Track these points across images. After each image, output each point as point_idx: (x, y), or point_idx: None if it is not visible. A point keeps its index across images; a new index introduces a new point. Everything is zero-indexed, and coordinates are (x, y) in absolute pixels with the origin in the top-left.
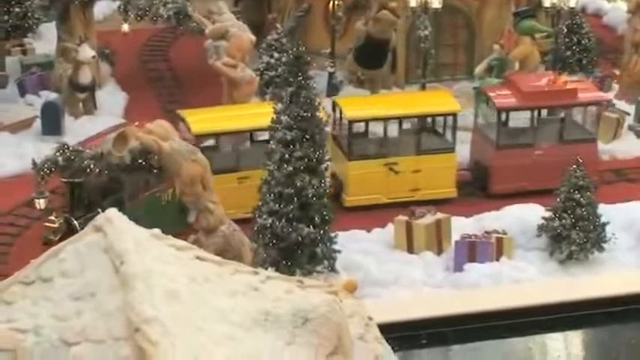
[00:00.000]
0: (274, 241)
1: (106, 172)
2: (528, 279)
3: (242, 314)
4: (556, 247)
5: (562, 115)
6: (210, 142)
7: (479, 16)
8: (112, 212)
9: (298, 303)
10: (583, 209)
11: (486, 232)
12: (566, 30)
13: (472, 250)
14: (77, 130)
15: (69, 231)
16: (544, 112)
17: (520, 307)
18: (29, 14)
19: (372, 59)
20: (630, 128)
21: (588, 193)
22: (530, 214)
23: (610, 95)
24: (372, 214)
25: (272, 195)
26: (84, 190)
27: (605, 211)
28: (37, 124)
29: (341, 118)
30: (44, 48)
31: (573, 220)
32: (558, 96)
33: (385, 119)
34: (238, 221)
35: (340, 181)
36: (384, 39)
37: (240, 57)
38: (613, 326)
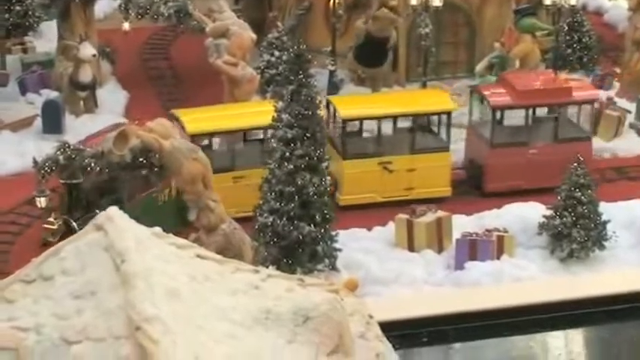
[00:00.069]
0: (275, 240)
1: (107, 170)
2: (529, 277)
3: (243, 313)
4: (557, 245)
5: (557, 113)
6: (205, 141)
7: (479, 13)
8: (113, 211)
9: (299, 301)
10: (584, 207)
11: (487, 231)
12: (566, 28)
13: (473, 249)
14: (78, 128)
15: (68, 232)
16: (543, 110)
17: (521, 305)
18: (30, 13)
19: (372, 57)
20: (631, 126)
21: (589, 191)
22: (531, 212)
23: (611, 93)
24: (373, 213)
25: (273, 193)
26: (82, 191)
27: (606, 209)
28: (38, 122)
29: (335, 117)
30: (45, 46)
31: (574, 219)
32: (553, 94)
33: (379, 118)
34: (239, 220)
35: (335, 180)
36: (383, 37)
37: (241, 55)
38: (614, 324)
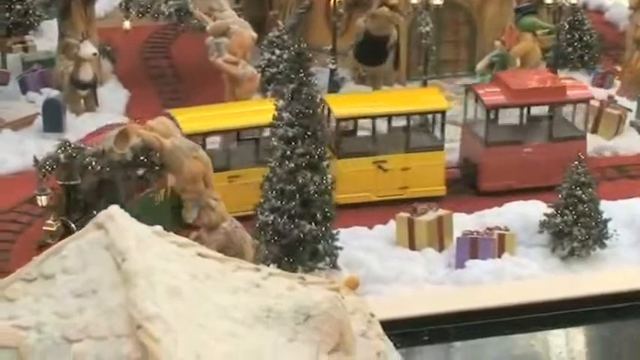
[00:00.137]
0: (276, 238)
1: (108, 169)
2: (530, 275)
3: (244, 311)
4: (558, 243)
5: (551, 112)
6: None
7: (480, 12)
8: (114, 209)
9: (300, 300)
10: (585, 206)
11: (488, 229)
12: (567, 26)
13: (474, 247)
14: (79, 127)
15: (66, 233)
16: (539, 109)
17: (522, 303)
18: (30, 11)
19: (372, 56)
20: (632, 125)
21: (590, 189)
22: (532, 210)
23: (611, 91)
24: (374, 211)
25: (274, 192)
26: (80, 193)
27: (607, 207)
28: (39, 121)
29: (329, 116)
30: (45, 45)
31: (575, 217)
32: (547, 93)
33: (373, 117)
34: (240, 218)
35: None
36: (382, 36)
37: (242, 54)
38: (615, 323)
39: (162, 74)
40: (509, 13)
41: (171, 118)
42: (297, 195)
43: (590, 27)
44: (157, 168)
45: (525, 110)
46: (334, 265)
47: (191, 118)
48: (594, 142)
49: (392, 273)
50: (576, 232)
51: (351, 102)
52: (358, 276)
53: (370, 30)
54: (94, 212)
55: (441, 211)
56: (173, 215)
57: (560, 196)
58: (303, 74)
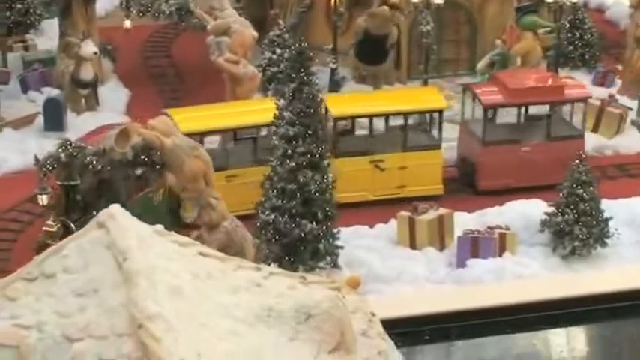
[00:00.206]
0: (277, 237)
1: (108, 168)
2: (531, 274)
3: (245, 310)
4: (559, 242)
5: (549, 111)
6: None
7: (481, 11)
8: (115, 208)
9: (301, 299)
10: (586, 204)
11: (489, 228)
12: (568, 25)
13: (475, 246)
14: (79, 126)
15: (66, 234)
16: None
17: (523, 302)
18: (31, 10)
19: (372, 55)
20: (633, 123)
21: (591, 188)
22: (533, 209)
23: (612, 90)
24: (375, 210)
25: (274, 191)
26: (79, 193)
27: (608, 206)
28: (40, 120)
29: (326, 115)
30: (46, 44)
31: (576, 216)
32: (545, 93)
33: (371, 116)
34: (240, 217)
35: None
36: (381, 35)
37: (243, 53)
38: (616, 322)
39: (162, 73)
40: (510, 12)
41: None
42: (298, 194)
43: (591, 26)
44: (157, 167)
45: (523, 109)
46: (335, 265)
47: (188, 117)
48: (595, 141)
49: (393, 272)
50: (577, 231)
51: (349, 101)
52: (359, 275)
53: (369, 29)
54: (94, 212)
55: (442, 210)
56: (171, 215)
57: (561, 195)
58: (303, 73)
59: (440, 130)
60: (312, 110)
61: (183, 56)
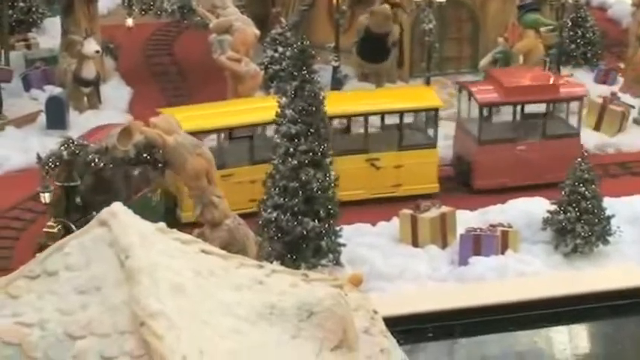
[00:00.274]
0: (279, 235)
1: (111, 166)
2: (533, 272)
3: (247, 308)
4: (561, 240)
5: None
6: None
7: (483, 9)
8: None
9: (303, 296)
10: (588, 202)
11: (491, 226)
12: (570, 23)
13: (477, 244)
14: (82, 124)
15: (66, 235)
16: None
17: (525, 300)
18: (33, 9)
19: (373, 53)
20: (635, 121)
21: (593, 186)
22: (535, 207)
23: (614, 88)
24: (377, 208)
25: (277, 189)
26: (78, 194)
27: (610, 204)
28: (42, 118)
29: None
30: (48, 43)
31: (578, 214)
32: (540, 91)
33: (366, 115)
34: (242, 216)
35: None
36: (382, 33)
37: (245, 51)
38: (618, 319)
39: (165, 72)
40: (512, 9)
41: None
42: (300, 192)
43: (593, 24)
44: (160, 165)
45: (519, 108)
46: (337, 262)
47: (186, 117)
48: (597, 139)
49: (395, 270)
50: (579, 229)
51: (345, 100)
52: (361, 273)
53: (370, 27)
54: (93, 213)
55: (444, 208)
56: (168, 215)
57: (563, 193)
58: (306, 71)
59: (436, 128)
60: (314, 108)
61: (186, 54)
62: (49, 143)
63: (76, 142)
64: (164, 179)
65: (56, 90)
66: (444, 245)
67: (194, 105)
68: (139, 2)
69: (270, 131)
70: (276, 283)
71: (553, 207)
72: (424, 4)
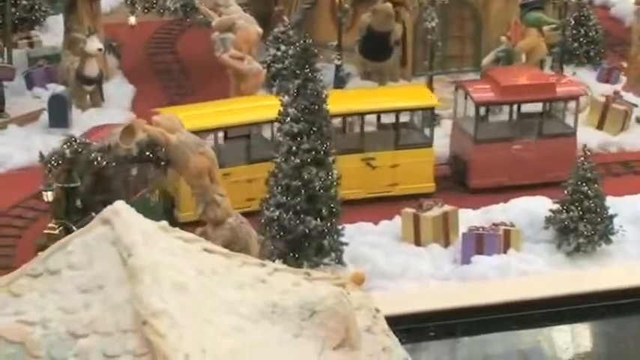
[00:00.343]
0: (281, 234)
1: (113, 164)
2: (536, 271)
3: (250, 306)
4: (563, 239)
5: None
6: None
7: (486, 7)
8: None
9: (305, 295)
10: (590, 201)
11: (494, 225)
12: (573, 22)
13: (479, 243)
14: (84, 122)
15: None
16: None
17: (527, 299)
18: (36, 7)
19: (376, 51)
20: (638, 120)
21: (596, 185)
22: (538, 206)
23: (617, 87)
24: (380, 207)
25: (279, 187)
26: (78, 194)
27: (613, 203)
28: (45, 116)
29: None
30: (51, 41)
31: (581, 213)
32: (537, 90)
33: (362, 114)
34: (245, 214)
35: None
36: (384, 31)
37: (247, 49)
38: (620, 319)
39: (167, 70)
40: (515, 8)
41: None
42: (303, 191)
43: (596, 23)
44: (162, 163)
45: (516, 107)
46: (340, 261)
47: (184, 116)
48: (600, 138)
49: (397, 269)
50: (582, 228)
51: (341, 99)
52: (364, 271)
53: (372, 25)
54: (93, 214)
55: (447, 207)
56: (166, 216)
57: (565, 191)
58: (308, 70)
59: (432, 127)
60: (316, 107)
61: (188, 52)
62: (51, 141)
63: (78, 141)
64: (165, 178)
65: (59, 88)
66: (446, 244)
67: (192, 104)
68: (141, 0)
69: (266, 131)
70: (279, 282)
71: (555, 206)
72: (427, 2)
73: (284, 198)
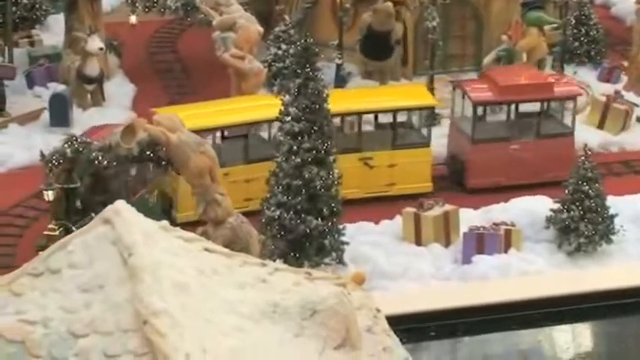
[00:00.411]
0: (282, 233)
1: (114, 163)
2: (536, 271)
3: (250, 306)
4: (564, 239)
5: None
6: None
7: (487, 7)
8: (120, 204)
9: (306, 295)
10: (591, 201)
11: (494, 224)
12: (574, 21)
13: (480, 242)
14: (85, 121)
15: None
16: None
17: (528, 299)
18: (37, 6)
19: (376, 51)
20: (639, 120)
21: (596, 184)
22: (539, 205)
23: (618, 87)
24: (380, 206)
25: (280, 187)
26: (78, 195)
27: (614, 203)
28: (45, 115)
29: None
30: (52, 40)
31: (582, 212)
32: (534, 90)
33: (359, 113)
34: (246, 213)
35: None
36: (384, 31)
37: (248, 48)
38: (621, 318)
39: (168, 69)
40: (516, 7)
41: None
42: (304, 190)
43: (597, 22)
44: (163, 163)
45: (513, 107)
46: (340, 261)
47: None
48: (601, 137)
49: (398, 268)
50: (583, 228)
51: (338, 99)
52: (364, 271)
53: (373, 25)
54: (92, 215)
55: (448, 207)
56: (164, 216)
57: (566, 191)
58: (309, 69)
59: (429, 127)
60: (317, 106)
61: (189, 52)
62: (52, 141)
63: (79, 140)
64: (164, 178)
65: (60, 87)
66: (447, 244)
67: (192, 104)
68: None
69: (264, 131)
70: (280, 282)
71: (556, 205)
72: (428, 1)
73: (285, 197)
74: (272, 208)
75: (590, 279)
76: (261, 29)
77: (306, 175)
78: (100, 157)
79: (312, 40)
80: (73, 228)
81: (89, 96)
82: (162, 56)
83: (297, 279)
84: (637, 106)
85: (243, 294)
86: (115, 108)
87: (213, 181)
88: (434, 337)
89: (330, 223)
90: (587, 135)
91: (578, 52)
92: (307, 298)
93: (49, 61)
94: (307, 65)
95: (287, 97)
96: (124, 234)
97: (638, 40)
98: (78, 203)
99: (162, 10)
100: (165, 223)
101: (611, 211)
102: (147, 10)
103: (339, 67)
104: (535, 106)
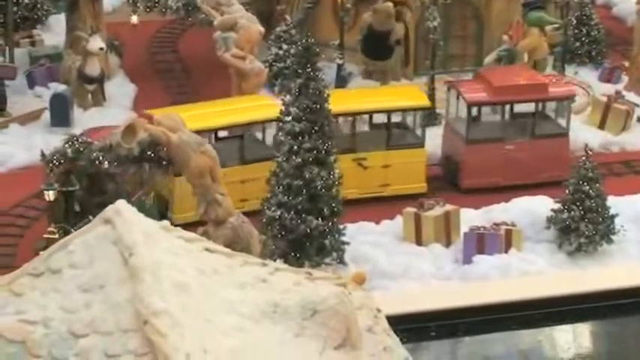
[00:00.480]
0: (283, 233)
1: (115, 163)
2: (537, 271)
3: (251, 306)
4: (565, 239)
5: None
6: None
7: (488, 7)
8: (121, 204)
9: (307, 295)
10: (592, 201)
11: (495, 224)
12: (575, 21)
13: (481, 242)
14: (86, 121)
15: None
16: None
17: (529, 299)
18: (38, 6)
19: (376, 51)
20: (639, 120)
21: (597, 184)
22: (539, 206)
23: (619, 87)
24: (381, 206)
25: (281, 187)
26: (76, 198)
27: (614, 203)
28: (46, 115)
29: None
30: (53, 40)
31: (582, 212)
32: (529, 91)
33: (354, 114)
34: (246, 213)
35: None
36: (384, 31)
37: (249, 48)
38: (622, 318)
39: (169, 69)
40: (517, 8)
41: (150, 118)
42: (304, 190)
43: (598, 22)
44: (164, 163)
45: (508, 107)
46: (341, 261)
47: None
48: (601, 138)
49: (399, 268)
50: (583, 228)
51: (334, 99)
52: (365, 271)
53: (373, 25)
54: (90, 217)
55: (448, 207)
56: (161, 218)
57: (567, 191)
58: (310, 69)
59: (423, 128)
60: (318, 106)
61: (190, 52)
62: (53, 141)
63: (80, 140)
64: (162, 179)
65: (60, 87)
66: (447, 244)
67: (191, 104)
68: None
69: (259, 131)
70: (280, 282)
71: (557, 206)
72: (429, 1)
73: (285, 197)
74: (273, 208)
75: (591, 279)
76: (262, 29)
77: (307, 175)
78: (100, 158)
79: (313, 40)
80: (72, 230)
81: (90, 96)
82: (163, 56)
83: (298, 279)
84: (638, 106)
85: (244, 294)
86: (115, 108)
87: (214, 181)
88: (434, 337)
89: (330, 223)
90: (587, 135)
91: (579, 52)
92: (308, 298)
93: (50, 61)
94: (308, 65)
95: (288, 97)
96: (124, 234)
97: (639, 41)
98: (76, 206)
99: (164, 10)
100: (166, 223)
101: (612, 212)
102: (148, 10)
103: (339, 67)
104: (530, 107)
